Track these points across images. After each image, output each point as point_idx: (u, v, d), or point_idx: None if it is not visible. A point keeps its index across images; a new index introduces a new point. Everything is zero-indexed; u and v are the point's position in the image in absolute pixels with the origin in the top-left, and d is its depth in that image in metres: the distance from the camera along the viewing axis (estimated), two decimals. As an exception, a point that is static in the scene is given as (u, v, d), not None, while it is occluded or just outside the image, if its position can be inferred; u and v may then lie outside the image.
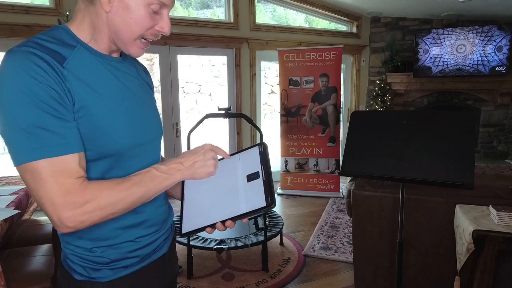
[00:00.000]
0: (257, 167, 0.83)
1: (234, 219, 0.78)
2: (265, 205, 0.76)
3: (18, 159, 0.68)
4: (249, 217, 0.79)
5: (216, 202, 0.82)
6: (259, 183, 0.80)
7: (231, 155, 0.90)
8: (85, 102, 0.74)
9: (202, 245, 2.59)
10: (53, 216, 0.69)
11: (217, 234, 2.73)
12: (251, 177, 0.82)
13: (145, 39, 0.82)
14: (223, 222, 0.78)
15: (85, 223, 0.71)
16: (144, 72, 0.99)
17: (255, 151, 0.87)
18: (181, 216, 0.85)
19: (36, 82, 0.67)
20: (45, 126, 0.68)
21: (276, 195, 4.80)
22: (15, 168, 0.70)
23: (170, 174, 0.80)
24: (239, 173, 0.84)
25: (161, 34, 0.83)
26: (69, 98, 0.72)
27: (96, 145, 0.76)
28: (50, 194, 0.68)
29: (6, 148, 0.70)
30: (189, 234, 0.82)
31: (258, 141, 3.78)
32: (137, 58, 0.93)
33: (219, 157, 0.89)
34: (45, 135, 0.68)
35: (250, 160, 0.86)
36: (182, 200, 0.87)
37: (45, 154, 0.68)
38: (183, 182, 0.88)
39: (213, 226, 0.79)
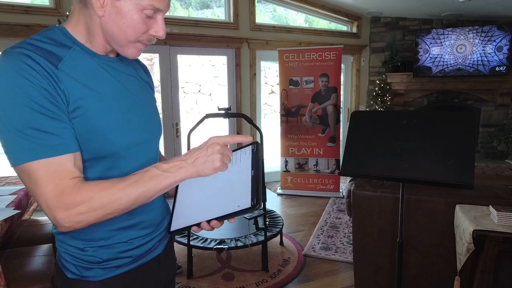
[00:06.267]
0: (248, 167, 0.81)
1: (219, 219, 0.77)
2: (249, 206, 0.74)
3: (14, 160, 0.69)
4: (235, 217, 0.78)
5: (205, 201, 0.81)
6: (247, 183, 0.78)
7: None
8: (81, 102, 0.74)
9: (202, 245, 2.59)
10: (49, 216, 0.70)
11: (217, 234, 2.74)
12: (241, 177, 0.80)
13: (141, 43, 0.82)
14: (208, 221, 0.77)
15: (81, 223, 0.71)
16: (143, 72, 0.98)
17: (248, 150, 0.86)
18: (171, 215, 0.84)
19: (29, 83, 0.67)
20: (39, 127, 0.68)
21: (275, 195, 4.81)
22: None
23: (171, 172, 0.76)
24: (230, 173, 0.82)
25: (156, 38, 0.83)
26: (63, 99, 0.72)
27: (92, 145, 0.76)
28: (45, 195, 0.69)
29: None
30: (175, 233, 0.81)
31: (258, 141, 3.78)
32: (138, 58, 0.93)
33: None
34: (40, 136, 0.68)
35: (243, 160, 0.84)
36: (174, 198, 0.87)
37: (40, 155, 0.68)
38: None
39: (198, 225, 0.78)
